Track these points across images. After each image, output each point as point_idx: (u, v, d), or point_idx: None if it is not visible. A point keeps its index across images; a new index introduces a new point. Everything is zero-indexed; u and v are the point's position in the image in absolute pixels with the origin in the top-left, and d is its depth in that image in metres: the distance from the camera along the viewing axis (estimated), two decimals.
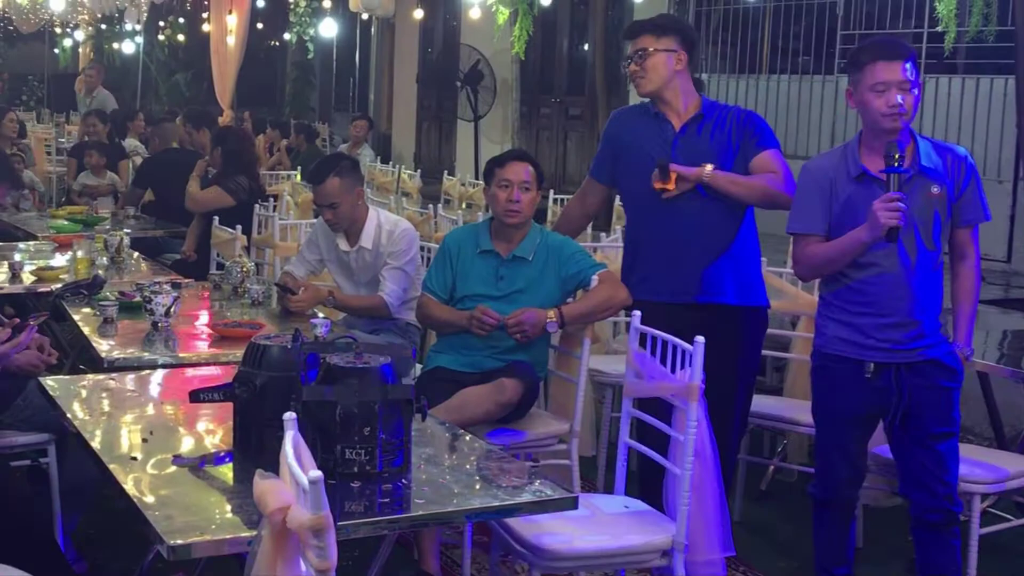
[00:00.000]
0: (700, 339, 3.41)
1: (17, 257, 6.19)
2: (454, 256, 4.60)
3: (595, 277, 4.48)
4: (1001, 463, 4.21)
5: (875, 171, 3.66)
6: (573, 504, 3.02)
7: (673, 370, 3.53)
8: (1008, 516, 4.55)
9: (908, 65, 3.63)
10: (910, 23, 9.70)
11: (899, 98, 3.60)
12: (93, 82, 11.54)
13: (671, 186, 4.20)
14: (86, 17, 20.19)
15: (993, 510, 4.58)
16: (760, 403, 4.82)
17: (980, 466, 4.04)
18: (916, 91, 3.67)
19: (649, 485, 3.89)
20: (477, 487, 3.02)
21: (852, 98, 3.75)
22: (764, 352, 4.78)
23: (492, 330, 4.38)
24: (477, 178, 12.19)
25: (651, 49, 4.29)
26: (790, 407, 4.93)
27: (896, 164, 3.56)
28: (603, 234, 7.16)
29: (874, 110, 3.65)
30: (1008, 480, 4.13)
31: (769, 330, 4.60)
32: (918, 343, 3.70)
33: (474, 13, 12.11)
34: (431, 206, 8.52)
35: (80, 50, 24.16)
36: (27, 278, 5.81)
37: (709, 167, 4.20)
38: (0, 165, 4.06)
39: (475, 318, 4.39)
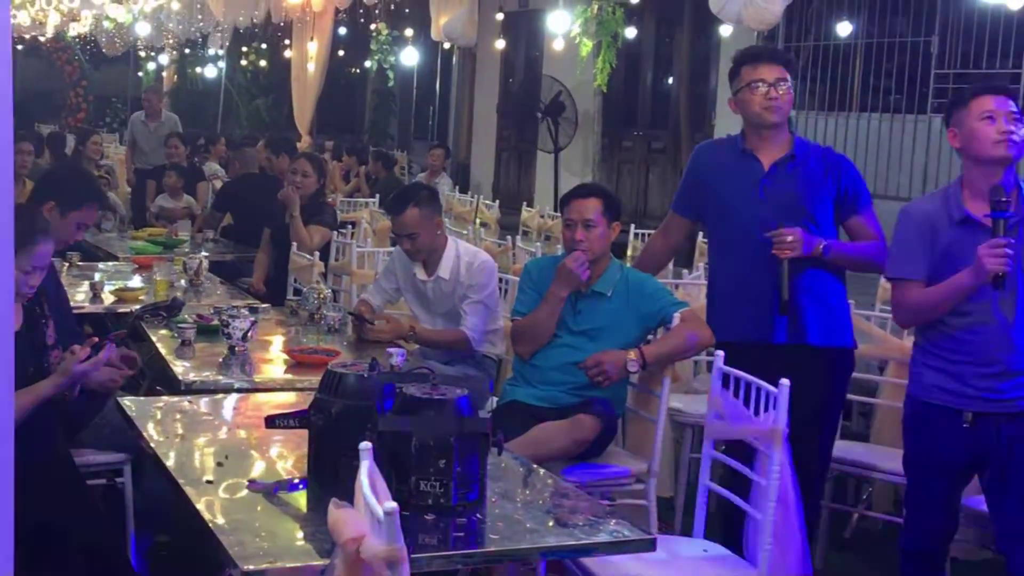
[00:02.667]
0: (785, 382, 3.32)
1: (97, 277, 6.25)
2: (537, 282, 4.53)
3: (677, 315, 4.39)
4: None
5: (978, 215, 3.57)
6: (651, 546, 2.96)
7: (756, 412, 3.45)
8: None
9: (1012, 102, 3.58)
10: (1007, 63, 9.53)
11: (1011, 126, 3.52)
12: (154, 107, 11.61)
13: (786, 252, 4.10)
14: (170, 41, 20.53)
15: None
16: (845, 448, 4.72)
17: None
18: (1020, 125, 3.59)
19: (729, 529, 3.80)
20: (551, 524, 2.97)
21: (956, 138, 3.67)
22: (850, 396, 4.67)
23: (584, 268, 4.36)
24: (556, 210, 12.17)
25: (789, 81, 4.21)
26: (877, 454, 4.81)
27: (1003, 209, 3.46)
28: (685, 271, 7.08)
29: (984, 138, 3.57)
30: None
31: (856, 374, 4.50)
32: (1019, 392, 3.59)
33: (557, 44, 12.10)
34: (509, 237, 8.49)
35: (163, 73, 24.59)
36: (107, 298, 5.86)
37: (824, 243, 4.12)
38: (88, 185, 4.11)
39: (566, 268, 4.36)
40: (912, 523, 3.80)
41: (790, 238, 4.03)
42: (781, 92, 4.16)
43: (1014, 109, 3.57)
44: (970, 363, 3.61)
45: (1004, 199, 3.46)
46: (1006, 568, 3.76)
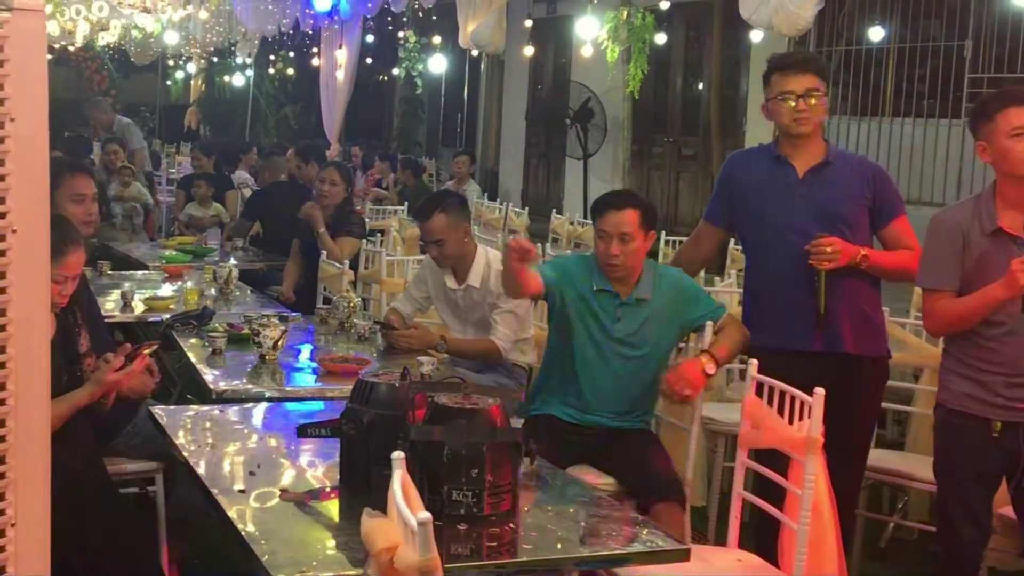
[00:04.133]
0: (820, 391, 3.29)
1: (127, 286, 6.27)
2: (567, 281, 4.34)
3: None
4: None
5: (1010, 228, 3.52)
6: (685, 556, 2.94)
7: (791, 421, 3.42)
8: None
9: None
10: None
11: None
12: (101, 122, 11.56)
13: (825, 264, 4.06)
14: (198, 50, 20.64)
15: None
16: (880, 457, 4.68)
17: None
18: None
19: (764, 538, 3.77)
20: (582, 533, 2.97)
21: (986, 152, 3.61)
22: (885, 404, 4.63)
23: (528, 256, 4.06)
24: (585, 217, 12.15)
25: (821, 91, 4.15)
26: (912, 462, 4.76)
27: None
28: (716, 278, 7.04)
29: (1015, 156, 3.52)
30: None
31: (891, 382, 4.46)
32: None
33: (585, 51, 12.09)
34: (539, 244, 8.46)
35: (192, 82, 24.72)
36: (138, 307, 5.88)
37: (863, 252, 4.08)
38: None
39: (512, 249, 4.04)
40: (945, 531, 3.77)
41: (829, 249, 3.99)
42: (812, 103, 4.12)
43: None
44: (999, 373, 3.57)
45: None
46: None
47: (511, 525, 2.92)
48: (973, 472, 3.66)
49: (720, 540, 4.02)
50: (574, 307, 4.32)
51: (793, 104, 4.12)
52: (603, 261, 4.27)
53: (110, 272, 6.91)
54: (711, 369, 4.14)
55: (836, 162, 4.20)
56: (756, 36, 11.31)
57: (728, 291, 6.31)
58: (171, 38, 17.96)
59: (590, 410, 4.32)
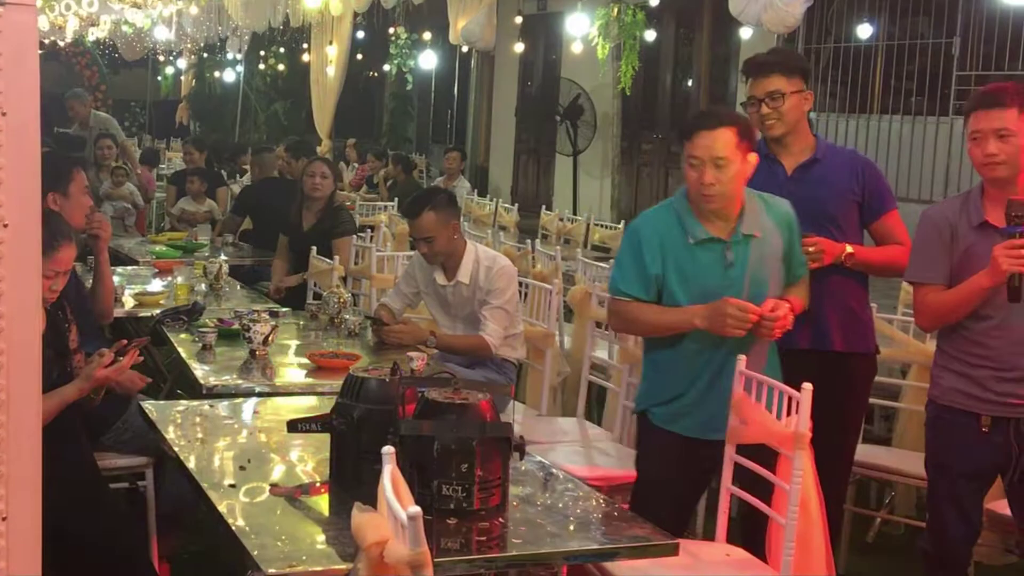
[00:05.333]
0: (808, 386, 3.31)
1: (117, 281, 6.26)
2: (655, 248, 3.70)
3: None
4: None
5: (997, 223, 3.54)
6: (674, 550, 2.96)
7: (779, 416, 3.44)
8: None
9: (1008, 113, 3.51)
10: None
11: (993, 147, 3.50)
12: (79, 114, 11.50)
13: (810, 264, 4.05)
14: (189, 46, 20.59)
15: None
16: (868, 452, 4.70)
17: None
18: (1016, 139, 3.53)
19: (751, 533, 3.78)
20: (572, 528, 2.97)
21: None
22: (872, 400, 4.65)
23: (751, 326, 3.58)
24: (575, 213, 12.18)
25: (786, 92, 4.11)
26: (899, 457, 4.80)
27: (1019, 223, 3.44)
28: None
29: (974, 160, 3.60)
30: None
31: (878, 378, 4.47)
32: None
33: (575, 47, 12.11)
34: (528, 241, 8.48)
35: (182, 78, 24.67)
36: (128, 302, 5.88)
37: (849, 250, 4.08)
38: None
39: (730, 315, 3.54)
40: (934, 527, 3.78)
41: (812, 249, 4.00)
42: (776, 106, 4.10)
43: (1005, 125, 3.50)
44: (988, 367, 3.59)
45: (1020, 214, 3.44)
46: None
47: (501, 519, 2.93)
48: (964, 468, 3.67)
49: (708, 535, 4.03)
50: (679, 279, 3.71)
51: (757, 108, 4.13)
52: (696, 192, 3.64)
53: None
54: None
55: (825, 158, 4.20)
56: (745, 33, 11.34)
57: None
58: (161, 33, 17.93)
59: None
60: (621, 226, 10.19)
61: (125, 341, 3.90)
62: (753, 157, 3.64)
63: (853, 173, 4.17)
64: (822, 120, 11.25)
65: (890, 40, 10.99)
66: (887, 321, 5.11)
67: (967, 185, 9.27)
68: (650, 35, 12.44)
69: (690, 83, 14.05)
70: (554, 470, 3.45)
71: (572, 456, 4.49)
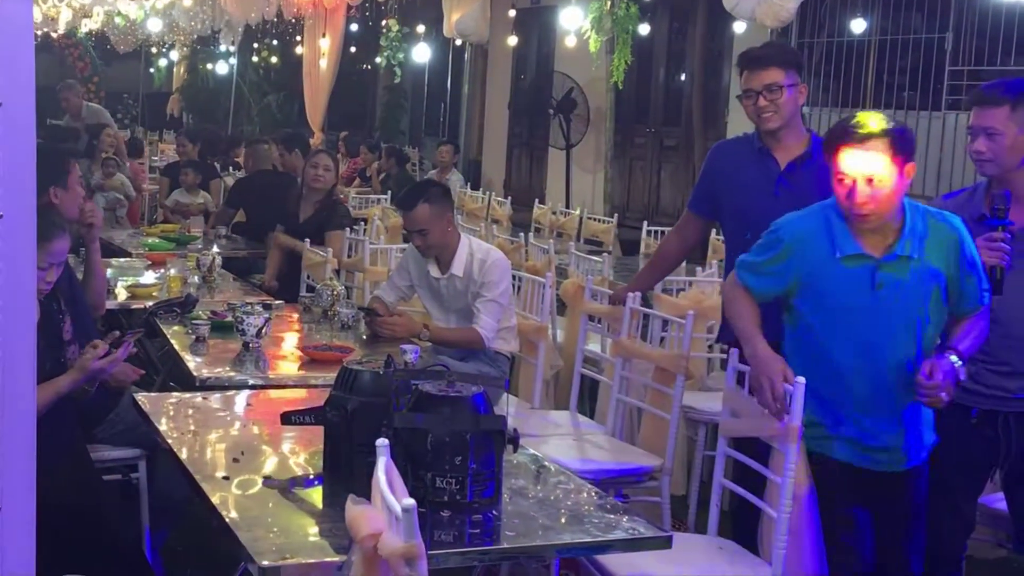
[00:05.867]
0: (801, 380, 3.32)
1: (110, 273, 6.26)
2: (790, 256, 3.43)
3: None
4: None
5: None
6: (667, 544, 2.96)
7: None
8: None
9: (999, 111, 3.54)
10: (1021, 60, 9.49)
11: (981, 146, 3.52)
12: (73, 104, 11.48)
13: None
14: (181, 38, 20.57)
15: None
16: None
17: None
18: (1002, 138, 3.55)
19: (743, 527, 3.79)
20: (565, 521, 2.98)
21: None
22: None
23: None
24: (568, 206, 12.18)
25: (783, 84, 4.15)
26: None
27: (1001, 217, 3.47)
28: (699, 268, 7.08)
29: (971, 155, 3.63)
30: None
31: None
32: None
33: (569, 41, 12.09)
34: (521, 234, 8.49)
35: (174, 70, 24.63)
36: (121, 294, 5.88)
37: None
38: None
39: (764, 385, 3.37)
40: (927, 521, 3.79)
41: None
42: (774, 99, 4.13)
43: (993, 124, 3.53)
44: (979, 361, 3.60)
45: (1002, 207, 3.48)
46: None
47: (494, 512, 2.94)
48: (954, 461, 3.67)
49: (701, 528, 4.05)
50: (813, 292, 3.42)
51: (754, 100, 4.14)
52: (847, 209, 3.32)
53: None
54: (962, 374, 3.33)
55: (818, 154, 4.20)
56: (739, 27, 11.33)
57: (710, 281, 6.34)
58: (154, 25, 17.90)
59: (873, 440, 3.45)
60: (614, 220, 10.20)
61: (119, 333, 3.90)
62: (911, 168, 3.27)
63: None
64: (815, 114, 11.26)
65: (883, 35, 11.00)
66: None
67: (960, 180, 9.28)
68: (644, 29, 12.43)
69: (683, 77, 14.05)
70: (547, 463, 3.45)
71: (565, 449, 4.50)
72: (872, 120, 3.28)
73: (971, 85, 5.09)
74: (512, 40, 15.28)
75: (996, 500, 3.90)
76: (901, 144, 3.24)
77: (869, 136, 3.23)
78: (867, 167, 3.22)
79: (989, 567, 4.62)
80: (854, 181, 3.23)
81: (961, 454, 3.67)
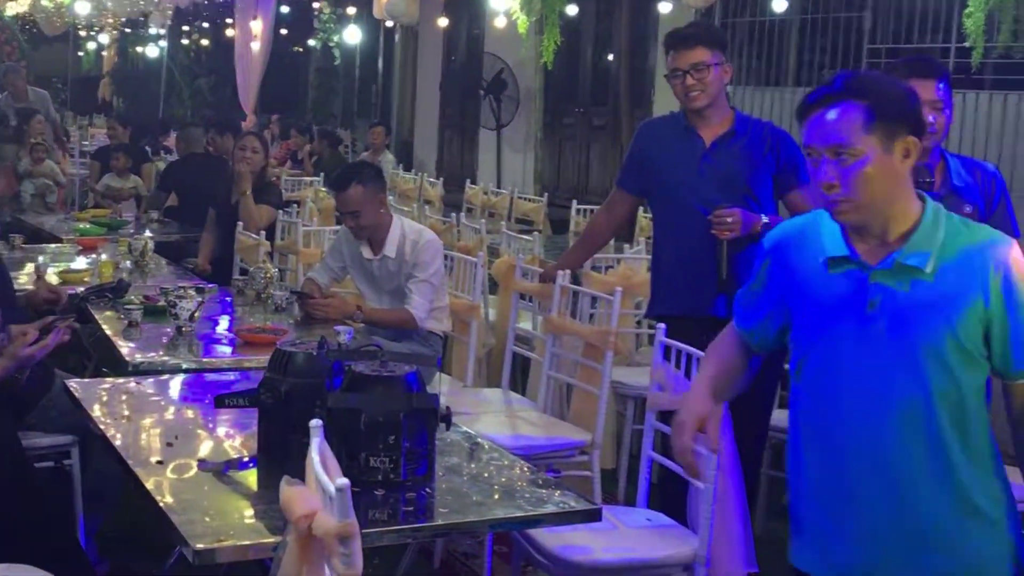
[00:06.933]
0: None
1: (41, 259, 6.22)
2: (779, 274, 2.61)
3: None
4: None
5: None
6: (597, 516, 3.02)
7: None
8: None
9: (941, 84, 3.61)
10: (938, 38, 9.67)
11: (931, 118, 3.58)
12: (19, 89, 11.37)
13: (725, 233, 4.14)
14: (111, 20, 20.30)
15: None
16: (784, 417, 4.76)
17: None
18: (948, 111, 3.65)
19: (671, 498, 3.88)
20: (497, 497, 3.02)
21: None
22: (787, 366, 4.75)
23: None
24: (499, 186, 12.22)
25: (709, 63, 4.22)
26: None
27: (927, 189, 3.54)
28: (627, 245, 7.15)
29: None
30: None
31: None
32: None
33: (499, 22, 12.11)
34: (453, 214, 8.53)
35: (104, 53, 24.30)
36: (52, 280, 5.82)
37: (765, 220, 4.16)
38: None
39: (676, 452, 2.72)
40: None
41: (730, 219, 4.09)
42: (701, 77, 4.21)
43: (938, 96, 3.60)
44: None
45: (928, 180, 3.54)
46: None
47: (428, 490, 2.97)
48: None
49: (630, 501, 4.12)
50: (797, 306, 2.57)
51: (681, 79, 4.22)
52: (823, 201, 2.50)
53: (23, 246, 6.84)
54: None
55: (742, 131, 4.30)
56: (664, 8, 11.39)
57: (637, 258, 6.42)
58: (82, 8, 17.63)
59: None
60: (544, 199, 10.27)
61: (50, 319, 3.88)
62: (911, 145, 2.41)
63: (769, 145, 4.27)
64: (737, 93, 11.37)
65: (803, 14, 11.14)
66: None
67: None
68: (571, 10, 12.47)
69: (611, 58, 14.11)
70: (480, 440, 3.49)
71: (497, 426, 4.55)
72: (846, 78, 2.44)
73: (889, 63, 5.19)
74: (442, 21, 15.25)
75: None
76: (886, 108, 2.38)
77: (834, 94, 2.42)
78: (830, 135, 2.40)
79: None
80: (822, 157, 2.42)
81: None
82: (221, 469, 3.05)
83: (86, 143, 14.86)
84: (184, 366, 4.29)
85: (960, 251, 2.40)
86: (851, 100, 2.39)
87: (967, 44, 8.33)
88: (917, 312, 2.38)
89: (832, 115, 2.39)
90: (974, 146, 9.03)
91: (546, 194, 10.53)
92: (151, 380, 4.02)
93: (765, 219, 4.16)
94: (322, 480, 2.23)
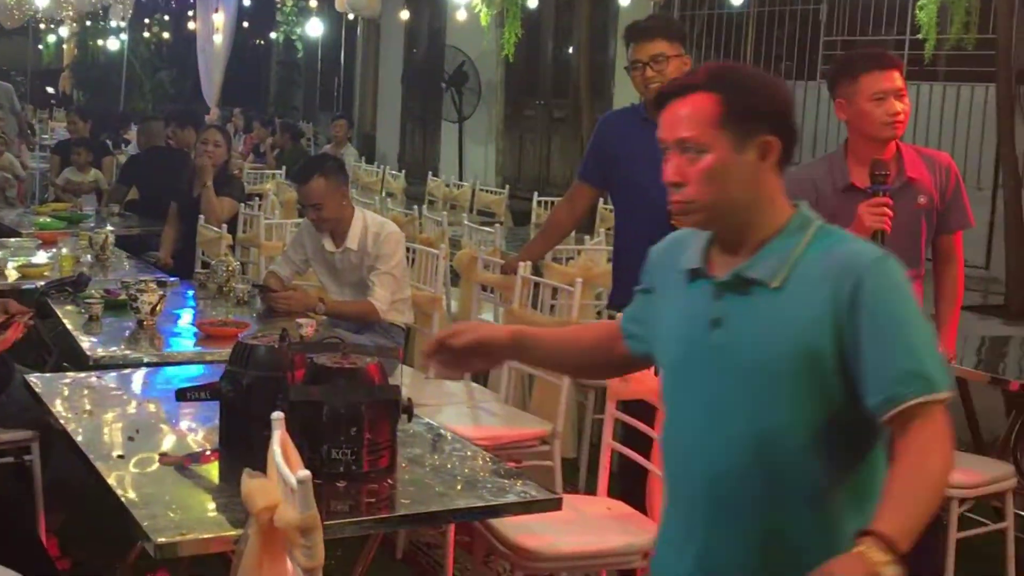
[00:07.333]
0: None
1: (1, 254, 6.18)
2: (651, 277, 2.40)
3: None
4: (978, 468, 4.25)
5: (862, 184, 3.66)
6: (557, 505, 3.03)
7: (656, 372, 3.54)
8: (985, 520, 4.58)
9: (898, 75, 3.67)
10: (892, 30, 9.76)
11: (898, 106, 3.63)
12: None
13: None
14: (71, 13, 20.14)
15: (970, 514, 4.61)
16: None
17: (958, 471, 4.03)
18: (907, 101, 3.70)
19: (631, 487, 3.90)
20: (459, 487, 3.03)
21: (843, 110, 3.74)
22: None
23: None
24: (461, 179, 12.24)
25: (669, 55, 4.25)
26: None
27: (882, 182, 3.58)
28: (587, 237, 7.19)
29: (875, 119, 3.65)
30: (985, 485, 4.18)
31: None
32: None
33: (460, 15, 12.13)
34: (415, 207, 8.54)
35: (64, 47, 24.10)
36: (11, 275, 5.81)
37: None
38: None
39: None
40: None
41: None
42: (660, 69, 4.23)
43: (900, 85, 3.65)
44: None
45: (883, 172, 3.58)
46: None
47: (389, 481, 2.98)
48: None
49: (591, 490, 4.15)
50: (659, 327, 2.30)
51: (641, 71, 4.25)
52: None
53: None
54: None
55: None
56: (624, 1, 11.45)
57: (597, 249, 6.45)
58: (42, 1, 17.49)
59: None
60: (506, 191, 10.29)
61: (6, 316, 3.86)
62: (772, 145, 2.12)
63: None
64: None
65: (761, 7, 11.23)
66: None
67: (835, 147, 9.54)
68: (532, 3, 12.50)
69: (571, 50, 14.14)
70: (442, 431, 3.50)
71: (459, 417, 4.58)
72: (708, 68, 2.19)
73: (844, 55, 5.25)
74: (404, 14, 15.25)
75: None
76: (742, 102, 2.11)
77: (689, 86, 2.16)
78: (678, 128, 2.16)
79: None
80: (671, 152, 2.19)
81: None
82: (183, 463, 3.04)
83: (46, 137, 14.76)
84: (146, 360, 4.28)
85: (821, 266, 2.06)
86: (705, 92, 2.12)
87: (920, 36, 8.42)
88: (758, 332, 2.06)
89: (684, 107, 2.13)
90: (928, 137, 9.13)
91: (507, 186, 10.57)
92: (113, 374, 4.01)
93: None
94: (284, 472, 2.24)
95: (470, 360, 2.45)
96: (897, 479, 1.94)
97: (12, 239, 7.21)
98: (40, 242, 6.94)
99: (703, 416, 2.12)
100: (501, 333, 2.47)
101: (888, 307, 2.00)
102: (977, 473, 4.17)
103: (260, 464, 2.41)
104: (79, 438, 3.27)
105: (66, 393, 3.77)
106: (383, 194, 11.11)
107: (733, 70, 2.19)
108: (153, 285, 4.82)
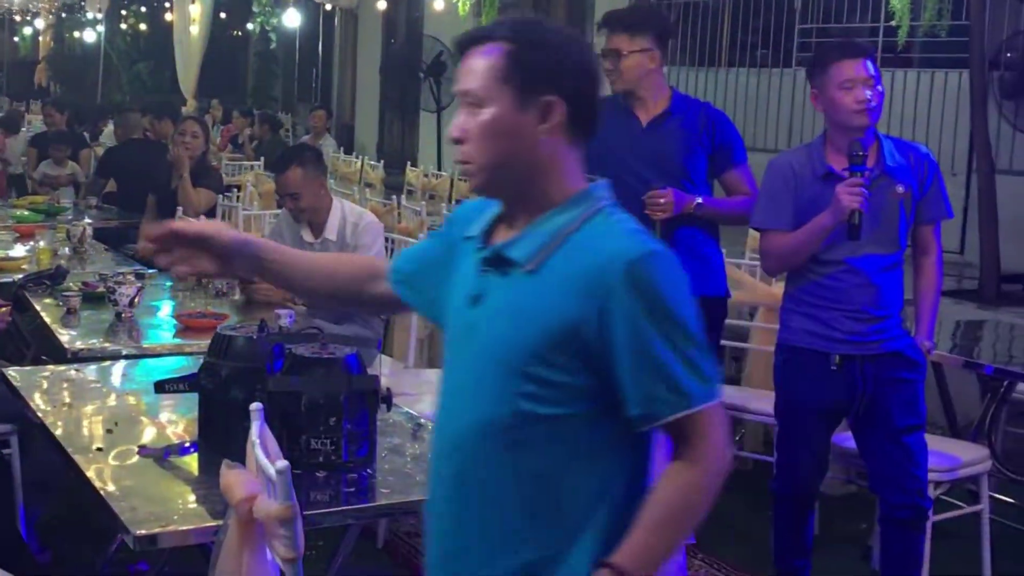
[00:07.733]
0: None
1: None
2: (451, 242, 2.18)
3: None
4: (954, 451, 4.29)
5: (839, 170, 3.69)
6: None
7: None
8: (960, 503, 4.62)
9: (869, 63, 3.69)
10: (866, 17, 9.82)
11: (867, 93, 3.66)
12: None
13: (659, 213, 4.18)
14: (46, 5, 20.04)
15: (946, 497, 4.65)
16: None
17: (934, 455, 4.07)
18: (880, 88, 3.73)
19: None
20: None
21: (818, 100, 3.77)
22: (723, 342, 4.82)
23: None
24: (440, 168, 12.23)
25: (625, 52, 4.22)
26: (748, 396, 5.00)
27: (860, 163, 3.61)
28: None
29: (844, 107, 3.68)
30: (960, 468, 4.22)
31: (728, 321, 4.65)
32: (881, 336, 3.74)
33: (438, 4, 12.12)
34: (394, 197, 8.54)
35: (40, 38, 23.97)
36: None
37: (698, 200, 4.22)
38: None
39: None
40: (784, 468, 3.93)
41: (663, 200, 4.14)
42: (626, 63, 4.22)
43: (871, 73, 3.67)
44: (835, 308, 3.74)
45: (861, 153, 3.61)
46: (874, 504, 3.95)
47: (369, 471, 2.98)
48: (815, 406, 3.82)
49: None
50: (441, 294, 2.16)
51: (607, 65, 4.25)
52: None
53: None
54: None
55: (678, 112, 4.33)
56: None
57: None
58: None
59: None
60: None
61: None
62: (557, 108, 2.00)
63: (703, 126, 4.31)
64: (672, 73, 11.48)
65: None
66: (736, 266, 5.30)
67: (809, 135, 9.58)
68: None
69: None
70: (422, 420, 3.50)
71: None
72: (510, 19, 2.05)
73: (819, 43, 5.27)
74: (381, 4, 15.22)
75: (845, 440, 4.08)
76: (531, 57, 1.96)
77: (486, 35, 2.01)
78: (466, 77, 2.02)
79: (838, 503, 4.84)
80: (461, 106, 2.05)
81: (822, 399, 3.80)
82: (162, 455, 3.03)
83: (24, 128, 14.69)
84: (124, 352, 4.27)
85: (580, 261, 1.90)
86: (498, 42, 1.97)
87: (894, 23, 8.46)
88: (507, 316, 1.93)
89: (475, 58, 1.99)
90: (902, 123, 9.17)
91: None
92: (91, 367, 4.00)
93: (699, 199, 4.21)
94: (263, 463, 2.25)
95: (199, 256, 2.25)
96: (648, 506, 1.88)
97: None
98: (17, 235, 6.92)
99: (451, 395, 2.03)
100: (231, 234, 2.26)
101: (638, 323, 1.85)
102: (952, 457, 4.21)
103: (240, 455, 2.41)
104: (58, 431, 3.26)
105: (45, 386, 3.76)
106: (362, 184, 11.11)
107: (533, 24, 2.02)
108: (131, 277, 4.82)
